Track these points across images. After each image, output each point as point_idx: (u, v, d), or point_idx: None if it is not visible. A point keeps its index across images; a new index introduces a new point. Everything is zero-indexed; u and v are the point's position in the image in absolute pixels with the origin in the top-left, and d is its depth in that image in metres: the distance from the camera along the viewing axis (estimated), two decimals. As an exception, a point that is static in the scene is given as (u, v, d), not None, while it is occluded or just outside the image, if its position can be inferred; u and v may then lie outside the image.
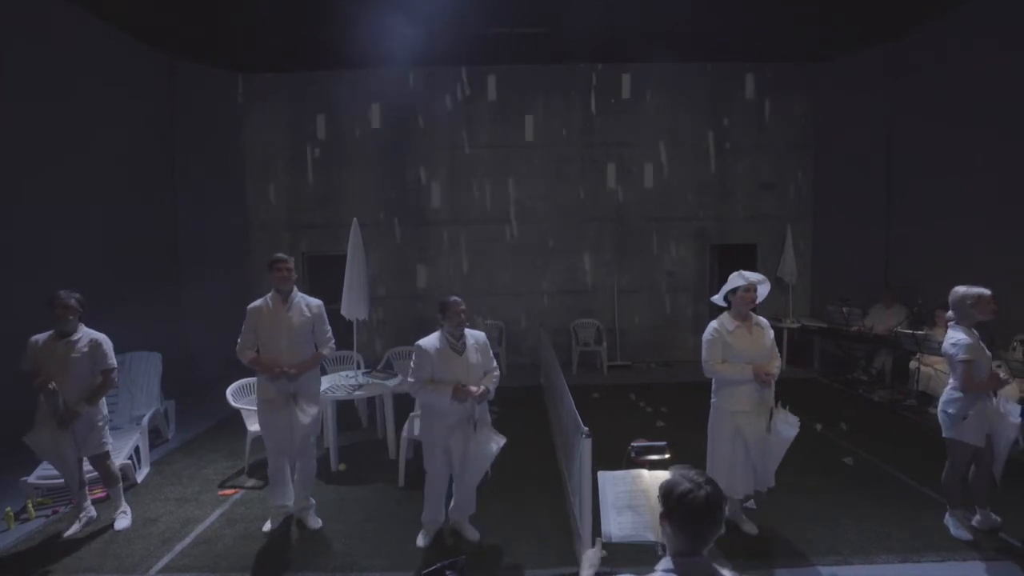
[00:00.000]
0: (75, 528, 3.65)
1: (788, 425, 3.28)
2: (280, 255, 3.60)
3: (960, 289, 3.39)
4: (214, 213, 8.15)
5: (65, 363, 3.46)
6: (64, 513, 3.93)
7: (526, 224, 8.77)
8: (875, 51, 7.77)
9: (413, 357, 3.28)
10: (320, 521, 3.71)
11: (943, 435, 3.40)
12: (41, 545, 3.51)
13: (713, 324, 3.40)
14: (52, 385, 3.39)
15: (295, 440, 3.55)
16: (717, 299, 3.49)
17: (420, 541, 3.41)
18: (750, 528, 3.45)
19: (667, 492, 1.44)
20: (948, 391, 3.39)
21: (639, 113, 8.71)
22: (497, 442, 3.33)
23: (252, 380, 4.59)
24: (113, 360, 3.65)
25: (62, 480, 3.77)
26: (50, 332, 3.52)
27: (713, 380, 3.44)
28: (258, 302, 3.58)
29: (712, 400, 3.47)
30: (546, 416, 5.88)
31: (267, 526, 3.65)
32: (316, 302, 3.72)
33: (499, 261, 8.79)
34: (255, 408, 3.82)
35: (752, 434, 3.28)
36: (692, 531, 1.40)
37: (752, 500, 3.58)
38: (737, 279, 3.36)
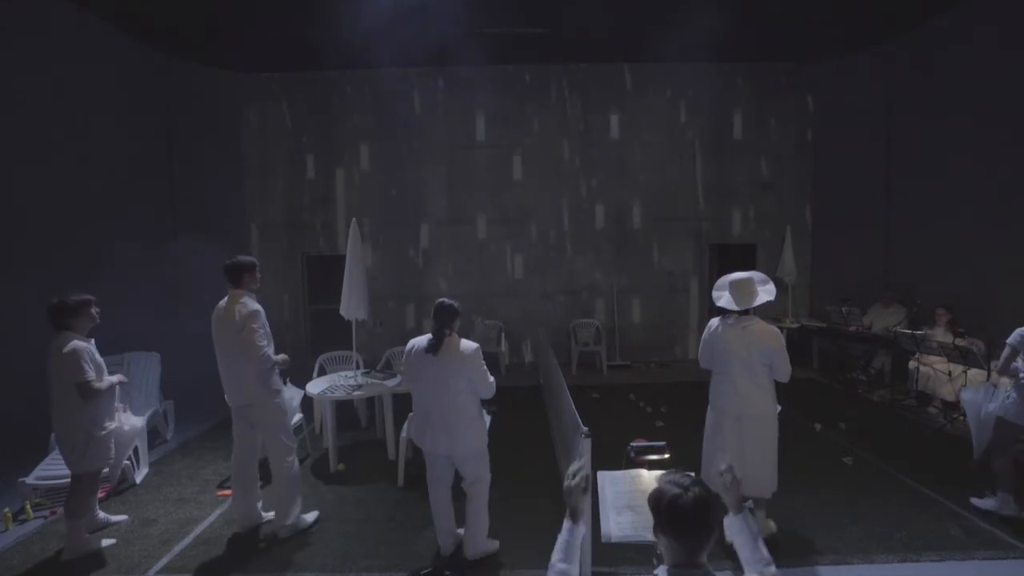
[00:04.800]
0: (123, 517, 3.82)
1: None
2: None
3: None
4: (213, 213, 8.14)
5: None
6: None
7: (525, 224, 8.77)
8: (875, 51, 7.78)
9: (481, 359, 3.16)
10: None
11: None
12: (39, 545, 3.50)
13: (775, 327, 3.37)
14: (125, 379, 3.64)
15: None
16: (767, 300, 3.28)
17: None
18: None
19: (656, 503, 1.39)
20: None
21: (639, 113, 8.71)
22: None
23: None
24: None
25: (61, 481, 3.78)
26: (81, 336, 3.39)
27: (768, 386, 3.29)
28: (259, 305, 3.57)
29: (770, 405, 3.29)
30: (545, 416, 5.88)
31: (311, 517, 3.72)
32: None
33: (498, 261, 8.79)
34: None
35: None
36: (686, 538, 1.34)
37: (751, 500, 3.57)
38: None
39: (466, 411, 3.12)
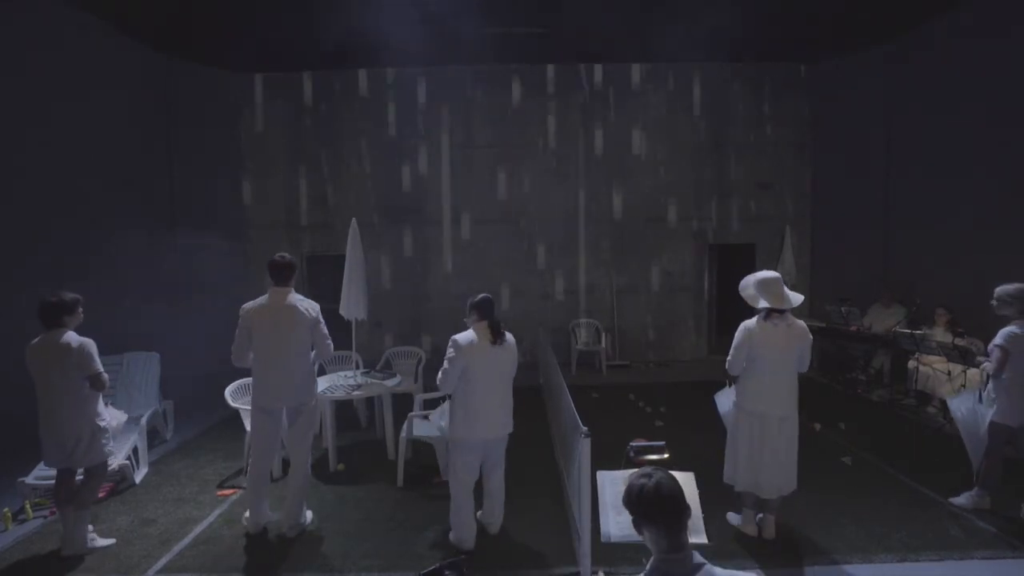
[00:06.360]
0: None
1: None
2: None
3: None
4: (213, 213, 8.14)
5: None
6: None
7: (525, 223, 8.76)
8: (875, 51, 7.77)
9: None
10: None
11: None
12: (39, 545, 3.50)
13: None
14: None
15: None
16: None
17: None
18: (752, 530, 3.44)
19: (627, 499, 1.47)
20: None
21: (638, 113, 8.71)
22: None
23: (248, 380, 4.46)
24: None
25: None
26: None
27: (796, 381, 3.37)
28: None
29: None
30: (545, 416, 5.88)
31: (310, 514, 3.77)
32: None
33: (498, 260, 8.78)
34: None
35: None
36: (663, 521, 1.42)
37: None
38: None
39: (510, 395, 3.40)
